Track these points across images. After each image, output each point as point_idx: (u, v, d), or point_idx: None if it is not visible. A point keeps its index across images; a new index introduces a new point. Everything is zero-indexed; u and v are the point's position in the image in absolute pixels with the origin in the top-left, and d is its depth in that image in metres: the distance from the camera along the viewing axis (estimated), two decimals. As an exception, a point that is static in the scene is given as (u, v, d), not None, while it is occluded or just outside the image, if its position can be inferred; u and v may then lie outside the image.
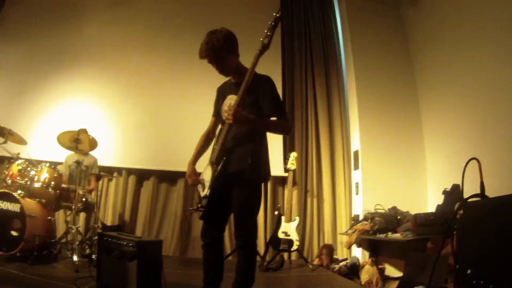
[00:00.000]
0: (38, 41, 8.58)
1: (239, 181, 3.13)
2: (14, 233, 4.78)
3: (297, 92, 7.60)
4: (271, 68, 6.83)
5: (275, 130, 3.39)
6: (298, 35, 7.97)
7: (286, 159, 6.94)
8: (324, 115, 7.44)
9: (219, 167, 3.14)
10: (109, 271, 3.80)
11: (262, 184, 3.39)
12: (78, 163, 5.70)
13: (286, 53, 7.98)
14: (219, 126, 3.46)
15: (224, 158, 3.16)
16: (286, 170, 6.82)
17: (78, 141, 5.78)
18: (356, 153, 6.94)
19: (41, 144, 7.15)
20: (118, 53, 7.91)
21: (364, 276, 5.26)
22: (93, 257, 4.90)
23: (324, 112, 7.45)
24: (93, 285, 3.94)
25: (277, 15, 3.01)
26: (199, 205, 3.25)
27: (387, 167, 6.76)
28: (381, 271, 5.24)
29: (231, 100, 3.24)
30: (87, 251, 5.39)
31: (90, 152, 6.43)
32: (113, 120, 7.50)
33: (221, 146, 3.18)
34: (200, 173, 3.39)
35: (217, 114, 3.51)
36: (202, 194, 3.24)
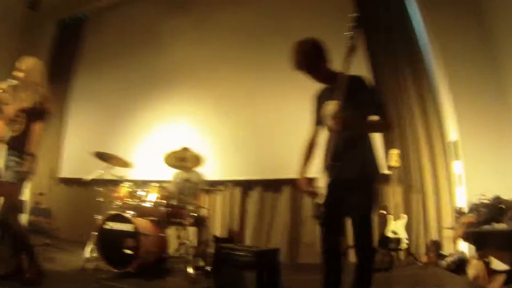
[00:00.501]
0: (124, 67, 9.40)
1: (356, 186, 3.15)
2: (128, 251, 5.01)
3: (387, 89, 7.50)
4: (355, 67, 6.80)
5: (379, 130, 3.42)
6: (375, 30, 7.87)
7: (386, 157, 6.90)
8: (417, 108, 7.28)
9: (333, 173, 3.19)
10: (226, 282, 3.95)
11: None
12: (187, 180, 6.06)
13: (368, 50, 7.90)
14: (324, 133, 3.43)
15: (337, 164, 3.17)
16: (388, 168, 6.75)
17: (184, 159, 6.06)
18: (455, 143, 6.73)
19: (145, 165, 7.67)
20: (207, 71, 8.16)
21: (472, 271, 5.07)
22: (207, 268, 5.11)
23: (416, 105, 7.29)
24: None
25: (356, 15, 3.03)
26: (317, 213, 3.27)
27: (488, 155, 6.48)
28: (487, 265, 5.07)
29: (331, 106, 3.24)
30: (201, 264, 5.52)
31: (196, 168, 6.58)
32: (213, 135, 7.71)
33: (331, 152, 3.20)
34: (312, 180, 3.40)
35: (319, 122, 3.51)
36: (319, 201, 3.27)
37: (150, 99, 8.75)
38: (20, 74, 4.24)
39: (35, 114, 4.11)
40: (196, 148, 6.46)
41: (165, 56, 8.86)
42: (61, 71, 10.62)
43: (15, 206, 4.22)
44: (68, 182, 9.80)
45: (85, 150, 7.12)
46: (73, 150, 9.87)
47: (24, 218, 9.43)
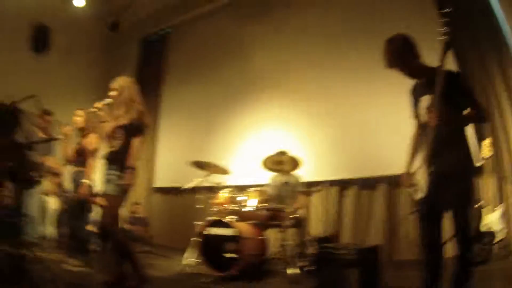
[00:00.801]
0: (211, 76, 9.67)
1: (454, 179, 3.16)
2: (229, 255, 5.16)
3: (475, 80, 7.28)
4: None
5: (474, 121, 3.42)
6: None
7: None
8: (504, 97, 7.01)
9: (433, 168, 3.25)
10: (328, 281, 3.99)
11: None
12: (286, 183, 6.16)
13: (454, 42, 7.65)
14: (423, 127, 3.45)
15: (436, 158, 3.23)
16: (482, 159, 6.53)
17: (281, 163, 6.22)
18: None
19: (243, 170, 7.81)
20: (295, 74, 8.13)
21: None
22: (307, 269, 5.12)
23: (504, 95, 7.02)
24: None
25: (448, 10, 3.09)
26: (417, 208, 3.36)
27: None
28: None
29: (427, 101, 3.29)
30: (301, 265, 5.51)
31: (293, 171, 6.66)
32: (307, 137, 7.70)
33: (430, 147, 3.25)
34: (414, 175, 3.45)
35: (417, 116, 3.53)
36: (418, 196, 3.34)
37: (241, 105, 8.92)
38: (115, 93, 4.47)
39: (132, 129, 4.31)
40: (292, 151, 6.57)
41: (252, 62, 8.99)
42: (149, 86, 11.01)
43: (117, 217, 4.42)
44: (163, 191, 10.24)
45: (178, 160, 7.51)
46: (166, 160, 10.31)
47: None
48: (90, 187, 5.53)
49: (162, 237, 9.56)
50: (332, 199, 7.40)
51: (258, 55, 8.92)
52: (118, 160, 4.26)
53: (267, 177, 6.93)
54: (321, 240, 5.65)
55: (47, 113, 6.52)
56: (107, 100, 4.50)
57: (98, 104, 4.51)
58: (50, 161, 6.70)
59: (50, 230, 8.74)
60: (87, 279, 4.72)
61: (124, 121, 4.32)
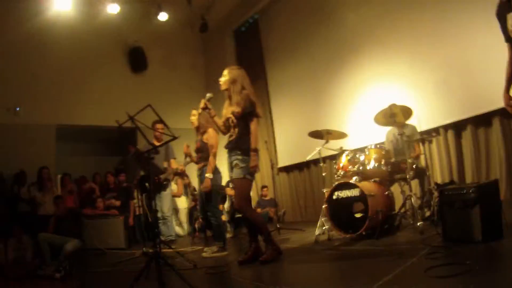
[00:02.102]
0: (308, 47, 10.20)
1: None
2: (358, 215, 5.46)
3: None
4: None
5: None
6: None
7: None
8: None
9: None
10: (453, 224, 4.11)
11: None
12: (401, 135, 6.21)
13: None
14: None
15: None
16: None
17: (393, 115, 6.29)
18: None
19: (359, 131, 8.15)
20: (389, 29, 8.30)
21: None
22: (433, 218, 5.34)
23: None
24: (440, 240, 4.27)
25: None
26: None
27: None
28: None
29: None
30: (427, 214, 5.77)
31: (407, 122, 6.81)
32: (415, 85, 7.79)
33: None
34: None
35: (508, 38, 3.52)
36: None
37: (344, 68, 9.22)
38: (226, 82, 4.96)
39: (247, 115, 4.76)
40: (401, 102, 6.65)
41: (345, 25, 9.21)
42: (253, 73, 11.49)
43: (247, 198, 4.94)
44: (288, 169, 10.89)
45: (296, 136, 7.96)
46: (284, 139, 10.96)
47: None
48: (214, 180, 6.07)
49: (294, 214, 10.23)
50: (449, 143, 7.46)
51: (350, 16, 9.08)
52: (239, 146, 4.76)
53: (383, 132, 7.17)
54: (443, 186, 5.86)
55: (158, 122, 7.19)
56: (208, 95, 5.04)
57: (202, 104, 5.06)
58: (173, 164, 7.49)
59: (184, 227, 9.79)
60: (223, 261, 5.27)
61: (238, 109, 4.77)
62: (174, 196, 9.66)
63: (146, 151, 5.23)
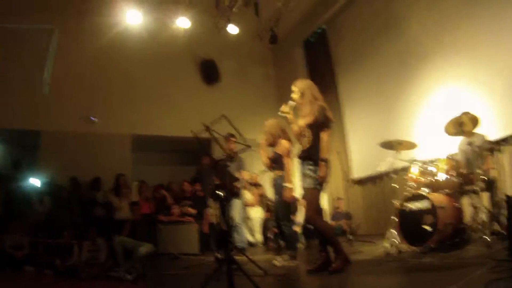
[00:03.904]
0: (377, 56, 10.41)
1: None
2: (427, 227, 5.55)
3: None
4: None
5: None
6: None
7: None
8: None
9: None
10: None
11: None
12: (470, 144, 6.30)
13: None
14: None
15: None
16: None
17: (461, 124, 6.41)
18: None
19: (431, 141, 8.08)
20: (456, 35, 8.24)
21: None
22: (503, 231, 5.34)
23: None
24: (506, 254, 4.27)
25: None
26: None
27: None
28: None
29: None
30: (496, 228, 5.71)
31: (476, 131, 6.74)
32: (483, 92, 7.71)
33: None
34: None
35: None
36: None
37: (413, 75, 9.26)
38: (297, 95, 5.24)
39: (318, 125, 5.01)
40: (469, 110, 6.69)
41: (409, 33, 9.36)
42: (324, 83, 12.07)
43: (318, 208, 5.21)
44: (362, 181, 10.98)
45: (369, 147, 8.09)
46: (358, 150, 11.07)
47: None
48: (291, 189, 6.35)
49: (368, 226, 10.32)
50: None
51: (414, 26, 9.23)
52: (310, 156, 5.01)
53: (455, 142, 7.08)
54: None
55: (231, 135, 7.69)
56: (292, 103, 5.28)
57: (284, 108, 5.31)
58: (246, 175, 7.88)
59: (256, 236, 10.12)
60: (293, 270, 5.56)
61: (309, 119, 5.03)
62: (248, 205, 10.07)
63: (221, 159, 5.50)
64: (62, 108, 10.97)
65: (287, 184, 6.30)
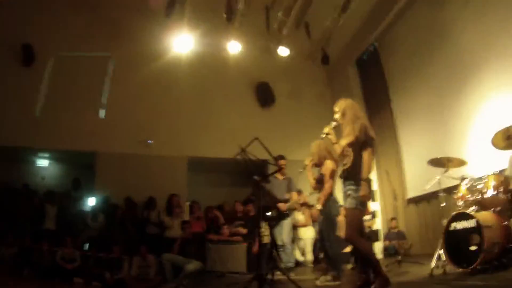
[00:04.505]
0: (429, 71, 10.18)
1: None
2: (473, 247, 5.27)
3: None
4: None
5: None
6: None
7: None
8: None
9: None
10: None
11: None
12: None
13: None
14: None
15: None
16: None
17: (510, 137, 6.00)
18: None
19: (483, 157, 7.71)
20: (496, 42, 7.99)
21: None
22: None
23: None
24: None
25: None
26: None
27: None
28: None
29: None
30: None
31: None
32: None
33: None
34: None
35: None
36: None
37: (466, 86, 8.90)
38: (339, 115, 5.23)
39: (360, 144, 4.94)
40: None
41: (459, 43, 9.08)
42: (379, 101, 12.18)
43: (360, 228, 5.15)
44: (416, 200, 10.63)
45: (424, 165, 7.90)
46: (413, 168, 10.71)
47: (378, 245, 10.85)
48: (333, 210, 6.32)
49: (422, 246, 10.03)
50: None
51: (463, 35, 8.98)
52: (352, 176, 4.92)
53: (504, 156, 6.66)
54: None
55: (281, 157, 7.98)
56: (333, 123, 5.30)
57: (326, 129, 5.36)
58: (294, 196, 7.95)
59: (307, 256, 10.05)
60: None
61: (351, 138, 4.98)
62: (300, 226, 10.08)
63: (259, 179, 5.56)
64: (118, 131, 11.60)
65: (317, 206, 6.37)
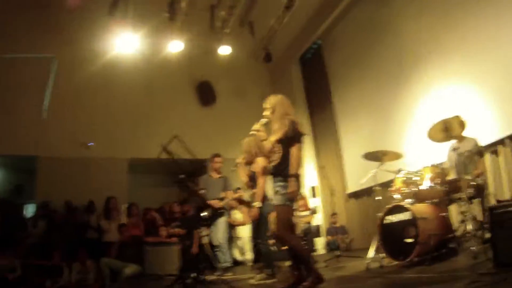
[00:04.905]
0: (370, 65, 9.94)
1: None
2: (408, 240, 5.06)
3: None
4: None
5: None
6: None
7: None
8: None
9: None
10: (504, 247, 3.65)
11: None
12: (454, 149, 5.82)
13: None
14: None
15: None
16: None
17: (446, 129, 5.80)
18: None
19: (421, 150, 7.55)
20: (447, 40, 7.79)
21: None
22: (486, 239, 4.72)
23: None
24: (490, 267, 3.79)
25: None
26: None
27: None
28: None
29: None
30: (487, 236, 4.90)
31: (468, 135, 6.15)
32: (478, 94, 7.19)
33: None
34: None
35: None
36: None
37: (406, 82, 8.75)
38: (268, 112, 4.90)
39: (288, 140, 4.63)
40: (463, 112, 6.14)
41: (402, 39, 8.88)
42: (322, 99, 11.94)
43: (290, 225, 4.79)
44: (356, 195, 10.46)
45: (362, 158, 7.65)
46: (352, 164, 10.47)
47: (320, 241, 10.56)
48: (264, 207, 5.96)
49: (364, 240, 9.72)
50: None
51: (405, 33, 8.81)
52: (280, 172, 4.61)
53: (443, 149, 6.51)
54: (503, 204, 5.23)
55: (217, 156, 7.72)
56: (264, 120, 4.97)
57: (256, 126, 5.04)
58: (230, 195, 7.58)
59: (247, 254, 9.61)
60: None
61: (279, 134, 4.69)
62: (239, 224, 9.66)
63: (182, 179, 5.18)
64: (58, 134, 10.83)
65: (255, 203, 5.98)
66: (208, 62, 12.26)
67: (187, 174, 5.46)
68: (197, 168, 8.00)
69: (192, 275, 6.01)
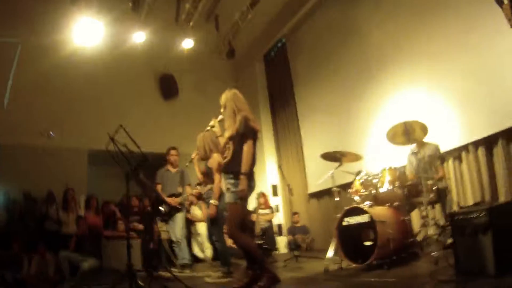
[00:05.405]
0: (334, 66, 9.66)
1: None
2: (367, 243, 4.86)
3: None
4: None
5: None
6: None
7: None
8: None
9: None
10: (464, 254, 3.45)
11: None
12: (414, 153, 5.72)
13: None
14: None
15: None
16: None
17: (407, 132, 5.61)
18: None
19: (382, 152, 7.36)
20: (413, 44, 7.62)
21: None
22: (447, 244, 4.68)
23: None
24: (451, 274, 3.59)
25: None
26: None
27: None
28: None
29: None
30: (449, 241, 4.86)
31: (430, 141, 6.08)
32: (441, 100, 7.00)
33: None
34: None
35: None
36: None
37: (369, 86, 8.54)
38: (222, 108, 4.68)
39: (240, 137, 4.39)
40: (426, 117, 5.99)
41: (369, 42, 8.66)
42: (284, 97, 11.64)
43: (242, 223, 4.53)
44: (317, 195, 10.23)
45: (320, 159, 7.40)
46: (313, 163, 10.22)
47: (282, 240, 10.23)
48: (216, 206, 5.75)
49: (325, 240, 9.46)
50: (480, 161, 6.48)
51: (371, 36, 8.58)
52: (231, 169, 4.38)
53: (404, 153, 6.41)
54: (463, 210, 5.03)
55: (172, 148, 7.43)
56: (220, 116, 4.79)
57: (212, 122, 4.94)
58: (188, 190, 7.20)
59: (206, 251, 9.22)
60: (224, 287, 5.04)
61: (231, 131, 4.46)
62: (198, 221, 9.32)
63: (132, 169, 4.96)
64: (18, 122, 10.04)
65: (212, 201, 5.73)
66: (171, 55, 11.74)
67: (138, 167, 5.00)
68: (157, 161, 7.56)
69: (147, 271, 5.78)
